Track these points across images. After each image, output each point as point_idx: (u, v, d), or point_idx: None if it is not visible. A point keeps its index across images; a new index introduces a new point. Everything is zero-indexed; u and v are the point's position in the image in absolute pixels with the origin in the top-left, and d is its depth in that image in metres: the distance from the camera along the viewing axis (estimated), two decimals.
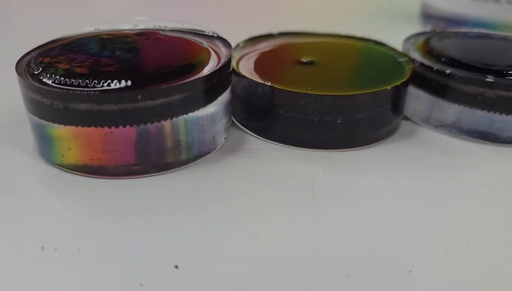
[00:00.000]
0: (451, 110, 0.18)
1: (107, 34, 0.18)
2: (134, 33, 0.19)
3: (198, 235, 0.13)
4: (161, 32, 0.19)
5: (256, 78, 0.17)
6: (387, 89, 0.17)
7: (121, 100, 0.14)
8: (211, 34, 0.19)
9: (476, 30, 0.23)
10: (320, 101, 0.16)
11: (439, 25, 0.29)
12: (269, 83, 0.17)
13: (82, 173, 0.15)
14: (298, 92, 0.17)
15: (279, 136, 0.18)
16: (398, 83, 0.17)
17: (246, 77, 0.17)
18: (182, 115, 0.15)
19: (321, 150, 0.17)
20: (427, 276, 0.12)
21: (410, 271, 0.12)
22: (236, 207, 0.14)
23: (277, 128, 0.17)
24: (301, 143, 0.17)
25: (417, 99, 0.19)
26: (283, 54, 0.20)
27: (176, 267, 0.12)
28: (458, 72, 0.18)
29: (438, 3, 0.30)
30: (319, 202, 0.14)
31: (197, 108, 0.16)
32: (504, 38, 0.21)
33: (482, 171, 0.16)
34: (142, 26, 0.20)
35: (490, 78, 0.17)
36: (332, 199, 0.15)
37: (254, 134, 0.18)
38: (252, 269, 0.12)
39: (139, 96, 0.14)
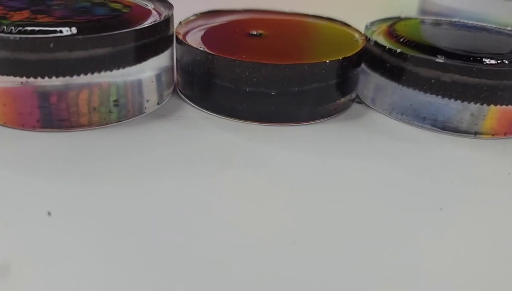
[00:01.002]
0: (403, 94, 0.17)
1: None
2: None
3: (82, 185, 0.12)
4: None
5: (194, 44, 0.17)
6: (325, 62, 0.16)
7: (36, 48, 0.14)
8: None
9: (452, 19, 0.21)
10: (255, 71, 0.16)
11: None
12: (202, 48, 0.16)
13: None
14: (232, 59, 0.16)
15: (214, 106, 0.17)
16: (340, 58, 0.16)
17: (184, 42, 0.17)
18: (103, 71, 0.15)
19: (255, 123, 0.16)
20: (310, 250, 0.11)
21: (294, 242, 0.11)
22: (136, 165, 0.14)
23: (212, 98, 0.17)
24: (235, 114, 0.17)
25: (371, 81, 0.18)
26: (236, 27, 0.19)
27: (49, 214, 0.11)
28: (410, 52, 0.17)
29: None
30: (227, 170, 0.14)
31: (121, 66, 0.15)
32: (477, 27, 0.20)
33: (417, 156, 0.15)
34: None
35: (440, 59, 0.16)
36: (241, 168, 0.14)
37: (191, 103, 0.18)
38: (136, 221, 0.11)
39: (51, 45, 0.14)
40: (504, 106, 0.16)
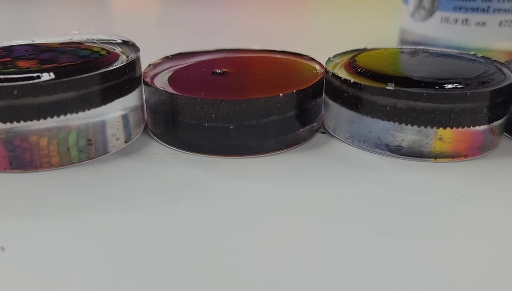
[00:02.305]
0: (362, 122, 0.17)
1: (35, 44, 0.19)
2: (58, 43, 0.19)
3: (41, 220, 0.13)
4: (85, 43, 0.20)
5: (158, 85, 0.18)
6: (279, 95, 0.16)
7: (2, 95, 0.15)
8: (130, 44, 0.20)
9: (418, 47, 0.22)
10: (213, 107, 0.16)
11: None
12: (163, 88, 0.17)
13: None
14: (192, 97, 0.17)
15: (178, 142, 0.18)
16: (293, 90, 0.17)
17: (148, 83, 0.18)
18: (68, 114, 0.16)
19: (216, 156, 0.17)
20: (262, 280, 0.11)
21: (248, 275, 0.11)
22: (96, 200, 0.14)
23: (176, 134, 0.17)
24: (197, 149, 0.17)
25: (332, 111, 0.19)
26: (203, 67, 0.20)
27: (2, 249, 0.12)
28: (364, 81, 0.17)
29: (412, 27, 0.30)
30: (180, 202, 0.14)
31: (86, 108, 0.16)
32: (439, 54, 0.20)
33: (372, 182, 0.15)
34: (76, 38, 0.21)
35: (390, 87, 0.16)
36: (194, 200, 0.14)
37: (158, 140, 0.18)
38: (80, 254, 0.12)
39: (15, 92, 0.15)
40: (460, 128, 0.16)
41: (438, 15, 0.28)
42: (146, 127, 0.19)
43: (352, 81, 0.17)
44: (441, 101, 0.16)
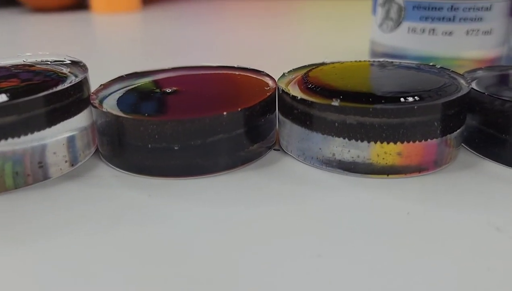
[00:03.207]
0: (311, 139, 0.17)
1: None
2: (9, 65, 0.19)
3: None
4: (37, 65, 0.20)
5: (107, 106, 0.17)
6: (223, 114, 0.16)
7: None
8: (81, 64, 0.19)
9: (380, 60, 0.21)
10: (157, 127, 0.16)
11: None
12: (105, 110, 0.17)
13: None
14: (136, 118, 0.16)
15: (125, 164, 0.17)
16: (238, 109, 0.16)
17: (93, 104, 0.17)
18: (10, 139, 0.15)
19: (162, 178, 0.17)
20: None
21: None
22: (33, 226, 0.14)
23: (122, 156, 0.17)
24: (143, 171, 0.17)
25: (284, 128, 0.18)
26: (155, 86, 0.20)
27: None
28: (313, 97, 0.17)
29: (381, 39, 0.29)
30: (115, 226, 0.14)
31: (29, 132, 0.16)
32: (399, 66, 0.20)
33: (318, 201, 0.15)
34: (29, 60, 0.21)
35: (335, 102, 0.16)
36: (133, 223, 0.14)
37: (106, 162, 0.18)
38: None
39: None
40: (412, 143, 0.16)
41: (405, 25, 0.28)
42: (98, 149, 0.19)
43: (299, 97, 0.17)
44: (388, 116, 0.16)
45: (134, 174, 0.17)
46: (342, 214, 0.14)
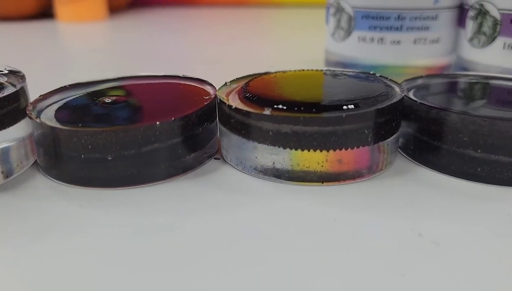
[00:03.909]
0: (248, 148, 0.17)
1: None
2: None
3: None
4: None
5: (46, 117, 0.17)
6: (156, 124, 0.16)
7: None
8: (20, 75, 0.19)
9: (323, 69, 0.22)
10: (90, 137, 0.16)
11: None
12: (39, 121, 0.17)
13: None
14: (70, 129, 0.16)
15: (60, 175, 0.17)
16: (172, 118, 0.16)
17: (28, 115, 0.17)
18: None
19: (97, 188, 0.17)
20: None
21: None
22: None
23: (58, 167, 0.17)
24: (78, 182, 0.17)
25: (224, 137, 0.18)
26: (95, 96, 0.20)
27: None
28: (249, 107, 0.17)
29: (333, 48, 0.30)
30: (42, 236, 0.14)
31: None
32: (339, 75, 0.20)
33: (249, 210, 0.15)
34: None
35: (267, 111, 0.16)
36: (56, 236, 0.14)
37: (43, 173, 0.18)
38: None
39: None
40: (344, 150, 0.16)
41: (355, 34, 0.28)
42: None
43: (234, 107, 0.17)
44: (319, 124, 0.16)
45: (70, 185, 0.17)
46: (270, 223, 0.14)
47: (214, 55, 0.41)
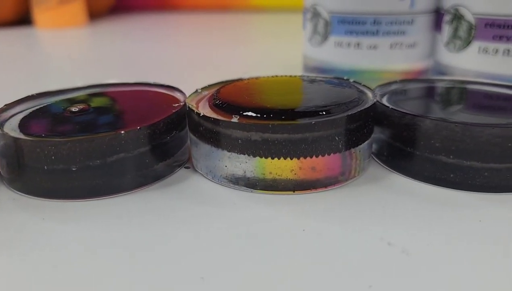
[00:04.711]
0: (217, 156, 0.17)
1: None
2: None
3: None
4: None
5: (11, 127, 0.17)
6: (121, 133, 0.16)
7: None
8: None
9: (297, 75, 0.21)
10: (54, 148, 0.15)
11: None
12: (1, 131, 0.16)
13: None
14: (32, 140, 0.16)
15: (24, 187, 0.16)
16: (137, 127, 0.16)
17: None
18: None
19: (61, 200, 0.16)
20: None
21: None
22: None
23: (21, 178, 0.16)
24: (42, 193, 0.16)
25: (194, 145, 0.18)
26: (62, 105, 0.19)
27: None
28: (218, 114, 0.17)
29: (311, 53, 0.30)
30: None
31: None
32: (313, 81, 0.20)
33: (215, 220, 0.15)
34: None
35: (235, 119, 0.16)
36: (14, 250, 0.13)
37: (6, 185, 0.17)
38: None
39: None
40: (315, 157, 0.16)
41: (332, 39, 0.28)
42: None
43: (202, 114, 0.16)
44: (288, 132, 0.15)
45: (33, 197, 0.16)
46: (236, 233, 0.14)
47: (193, 61, 0.41)
